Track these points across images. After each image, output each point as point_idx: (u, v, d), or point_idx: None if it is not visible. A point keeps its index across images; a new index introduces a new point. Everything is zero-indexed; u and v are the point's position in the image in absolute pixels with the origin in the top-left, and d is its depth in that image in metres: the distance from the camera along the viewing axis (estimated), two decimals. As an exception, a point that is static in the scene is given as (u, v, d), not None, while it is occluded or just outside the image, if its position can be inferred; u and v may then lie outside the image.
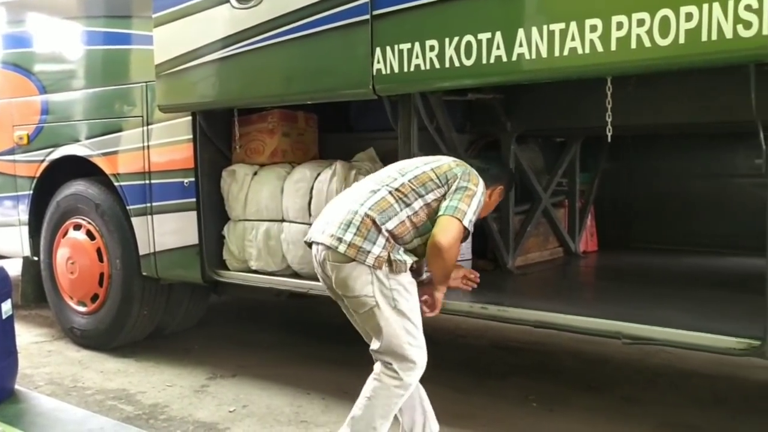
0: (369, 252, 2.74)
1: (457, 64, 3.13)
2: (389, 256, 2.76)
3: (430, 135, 3.77)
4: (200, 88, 4.16)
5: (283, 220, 4.18)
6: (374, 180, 3.01)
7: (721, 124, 3.83)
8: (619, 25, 2.74)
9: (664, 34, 2.65)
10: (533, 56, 2.94)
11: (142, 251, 4.72)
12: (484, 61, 3.06)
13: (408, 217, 2.82)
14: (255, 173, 4.35)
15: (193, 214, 4.44)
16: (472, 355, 4.88)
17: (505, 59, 3.02)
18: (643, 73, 3.10)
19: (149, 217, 4.66)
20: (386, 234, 2.77)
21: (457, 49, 3.12)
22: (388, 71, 3.35)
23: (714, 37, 2.55)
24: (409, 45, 3.26)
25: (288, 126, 4.39)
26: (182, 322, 5.33)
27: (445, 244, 2.76)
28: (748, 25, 2.49)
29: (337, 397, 3.96)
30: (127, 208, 4.75)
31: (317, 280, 3.06)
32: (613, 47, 2.76)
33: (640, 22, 2.69)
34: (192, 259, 4.47)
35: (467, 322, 5.09)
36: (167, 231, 4.60)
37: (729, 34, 2.52)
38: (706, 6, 2.56)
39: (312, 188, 4.04)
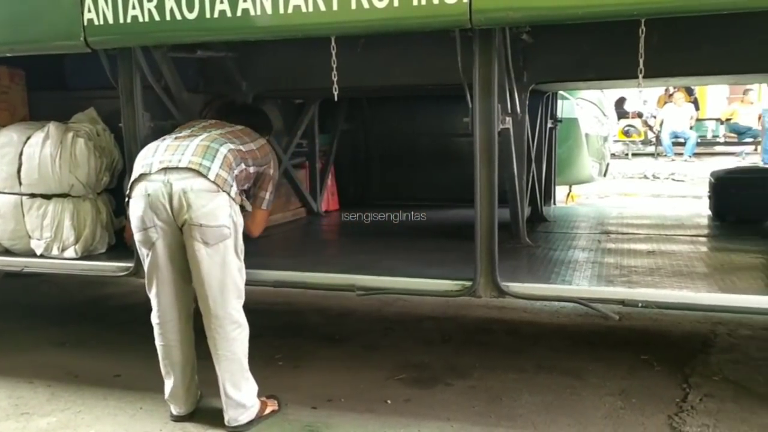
0: (232, 186, 2.94)
1: (178, 17, 2.95)
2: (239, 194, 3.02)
3: (156, 94, 3.54)
4: None
5: (-14, 191, 3.65)
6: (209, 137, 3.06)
7: (438, 86, 4.15)
8: (340, -15, 2.79)
9: (381, -4, 2.75)
10: (258, 12, 2.88)
11: None
12: (208, 15, 2.93)
13: (242, 171, 3.07)
14: (-52, 138, 3.71)
15: None
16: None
17: (229, 14, 2.92)
18: (362, 34, 3.22)
19: None
20: (235, 175, 2.99)
21: (178, 1, 2.94)
22: (102, 21, 3.05)
23: (424, 2, 2.71)
24: (124, -7, 2.99)
25: (-13, 82, 3.81)
26: None
27: (258, 234, 3.38)
28: (451, -8, 2.68)
29: (66, 383, 3.62)
30: None
31: (33, 255, 2.77)
32: (335, 7, 2.80)
33: (359, -17, 2.77)
34: None
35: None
36: None
37: (436, 0, 2.69)
38: (415, -29, 2.70)
39: (21, 153, 3.57)
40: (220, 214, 2.87)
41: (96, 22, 3.05)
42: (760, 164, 12.67)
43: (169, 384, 3.13)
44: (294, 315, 4.92)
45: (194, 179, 2.86)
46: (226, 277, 2.92)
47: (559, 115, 5.86)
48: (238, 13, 2.90)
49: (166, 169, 2.88)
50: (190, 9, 2.94)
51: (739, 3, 2.46)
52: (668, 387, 3.49)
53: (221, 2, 2.91)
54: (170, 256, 2.95)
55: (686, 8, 2.51)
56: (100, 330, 4.61)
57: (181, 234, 2.91)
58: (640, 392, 3.43)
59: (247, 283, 3.09)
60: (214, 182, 2.87)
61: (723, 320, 4.44)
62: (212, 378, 3.08)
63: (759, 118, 14.88)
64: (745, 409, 3.20)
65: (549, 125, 5.49)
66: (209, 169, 2.88)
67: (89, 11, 3.05)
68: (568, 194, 8.82)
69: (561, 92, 6.10)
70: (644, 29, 2.75)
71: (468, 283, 3.09)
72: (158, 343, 3.10)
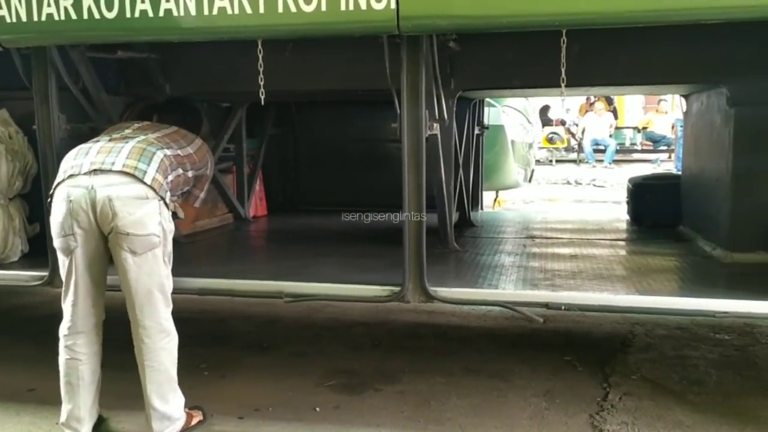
0: (167, 192, 2.84)
1: (97, 15, 2.85)
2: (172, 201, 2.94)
3: (73, 96, 3.39)
4: None
5: None
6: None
7: (367, 92, 4.16)
8: (266, -13, 2.75)
9: (308, 0, 2.73)
10: (181, 13, 2.81)
11: None
12: (128, 15, 2.84)
13: (178, 176, 2.99)
14: None
15: None
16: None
17: (151, 14, 2.84)
18: (289, 38, 3.19)
19: None
20: (170, 180, 2.90)
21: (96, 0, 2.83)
22: (14, 19, 2.91)
23: (351, 7, 2.71)
24: (38, -10, 2.85)
25: None
26: None
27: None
28: (379, -2, 2.69)
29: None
30: None
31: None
32: (262, 9, 2.76)
33: (286, -14, 2.74)
34: None
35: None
36: None
37: (364, 6, 2.70)
38: (343, -24, 2.70)
39: None
40: (149, 223, 2.76)
41: (8, 20, 2.91)
42: (674, 171, 13.31)
43: (68, 406, 2.93)
44: (220, 323, 4.81)
45: (124, 186, 2.74)
46: (153, 285, 2.82)
47: (486, 121, 5.98)
48: (161, 13, 2.82)
49: (96, 172, 2.75)
50: (110, 8, 2.84)
51: (652, 17, 2.57)
52: (590, 386, 3.59)
53: (142, 2, 2.82)
54: (89, 265, 2.82)
55: (603, 21, 2.61)
56: (12, 342, 4.38)
57: (103, 242, 2.79)
58: (564, 393, 3.52)
59: (173, 291, 2.99)
60: (150, 186, 2.76)
61: (641, 321, 4.62)
62: (132, 390, 2.97)
63: (672, 127, 15.62)
64: (661, 406, 3.33)
65: (476, 132, 5.60)
66: (145, 173, 2.78)
67: (0, 8, 2.89)
68: (495, 199, 9.01)
69: (488, 99, 6.23)
70: (566, 40, 2.84)
71: (397, 289, 3.10)
72: (64, 357, 2.91)
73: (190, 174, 3.10)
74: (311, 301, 3.38)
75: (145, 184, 2.76)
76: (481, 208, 6.21)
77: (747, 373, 3.74)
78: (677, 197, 5.10)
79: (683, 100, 5.30)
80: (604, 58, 3.73)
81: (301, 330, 4.66)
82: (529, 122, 9.43)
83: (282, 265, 3.60)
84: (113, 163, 2.77)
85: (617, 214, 6.23)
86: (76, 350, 2.90)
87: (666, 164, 15.51)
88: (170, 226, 2.91)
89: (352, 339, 4.48)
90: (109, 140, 2.91)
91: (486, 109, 6.08)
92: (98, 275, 2.86)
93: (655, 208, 5.24)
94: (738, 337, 4.33)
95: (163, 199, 2.82)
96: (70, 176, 2.77)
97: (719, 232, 3.99)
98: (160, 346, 2.87)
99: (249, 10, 2.77)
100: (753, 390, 3.52)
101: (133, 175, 2.75)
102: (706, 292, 3.16)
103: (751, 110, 3.72)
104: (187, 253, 4.07)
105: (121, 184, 2.73)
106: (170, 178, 2.91)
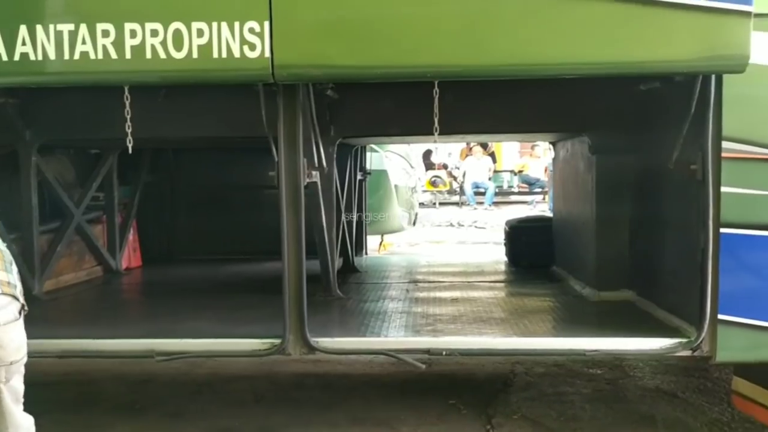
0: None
1: (-59, 57, 2.62)
2: None
3: None
4: None
5: None
6: None
7: (245, 139, 4.09)
8: (133, 33, 2.66)
9: (178, 47, 2.66)
10: (39, 57, 2.65)
11: None
12: (-22, 58, 2.63)
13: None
14: None
15: None
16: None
17: (5, 58, 2.65)
18: (158, 85, 3.09)
19: None
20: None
21: (-59, 40, 2.61)
22: None
23: (224, 54, 2.66)
24: None
25: None
26: None
27: None
28: (252, 46, 2.66)
29: None
30: None
31: None
32: (128, 55, 2.66)
33: (154, 33, 2.65)
34: None
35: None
36: None
37: (237, 54, 2.66)
38: (215, 24, 2.66)
39: None
40: (24, 343, 2.41)
41: None
42: (548, 212, 14.05)
43: None
44: (88, 385, 4.45)
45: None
46: (13, 401, 2.45)
47: (368, 167, 6.05)
48: (16, 57, 2.65)
49: None
50: (-43, 50, 2.62)
51: (513, 71, 2.71)
52: (474, 429, 3.62)
53: (-5, 43, 2.63)
54: None
55: (470, 73, 2.72)
56: None
57: None
58: (449, 437, 3.52)
59: (30, 355, 2.71)
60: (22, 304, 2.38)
61: (521, 360, 4.74)
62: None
63: (546, 170, 16.55)
64: (541, 444, 3.41)
65: (359, 177, 5.64)
66: (16, 287, 2.37)
67: None
68: (381, 243, 9.08)
69: (370, 145, 6.33)
70: (438, 90, 2.93)
71: (277, 341, 3.00)
72: None
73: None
74: (181, 359, 3.19)
75: (17, 301, 2.39)
76: (366, 253, 6.23)
77: (618, 407, 3.91)
78: (550, 239, 5.35)
79: (552, 146, 5.62)
80: (476, 107, 3.88)
81: (178, 388, 4.40)
82: (412, 167, 9.66)
83: (155, 321, 3.41)
84: None
85: (497, 255, 6.45)
86: None
87: (541, 205, 16.34)
88: None
89: (233, 394, 4.28)
90: None
91: (368, 154, 6.16)
92: None
93: (530, 249, 5.47)
94: (609, 371, 4.54)
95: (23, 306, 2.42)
96: None
97: (587, 272, 4.20)
98: None
99: (114, 56, 2.66)
100: (624, 422, 3.68)
101: (11, 295, 2.36)
102: (577, 331, 3.30)
103: (610, 157, 3.99)
104: (49, 312, 3.76)
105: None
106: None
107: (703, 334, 2.86)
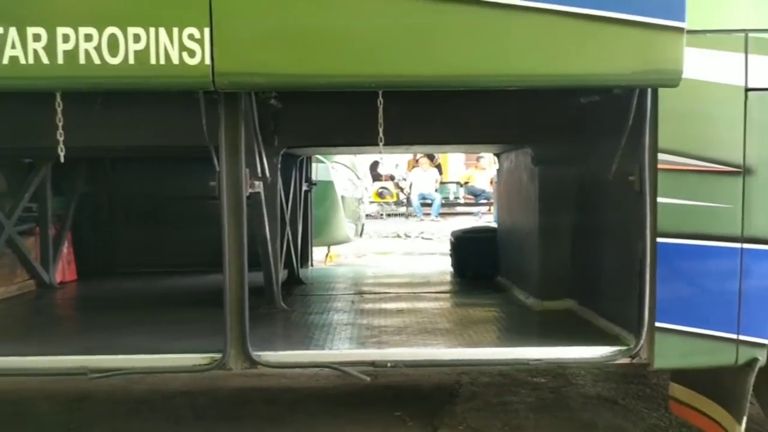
0: None
1: None
2: None
3: None
4: None
5: None
6: None
7: (185, 148, 3.98)
8: (66, 38, 2.56)
9: (113, 52, 2.57)
10: (-37, 61, 2.51)
11: None
12: None
13: None
14: None
15: None
16: None
17: (-75, 61, 2.50)
18: (92, 91, 2.98)
19: None
20: None
21: None
22: None
23: (162, 61, 2.59)
24: None
25: None
26: None
27: None
28: (192, 53, 2.59)
29: None
30: None
31: None
32: (60, 60, 2.55)
33: (88, 37, 2.56)
34: None
35: None
36: None
37: (176, 60, 2.59)
38: (153, 30, 2.58)
39: None
40: None
41: None
42: (493, 223, 14.24)
43: None
44: (18, 405, 4.24)
45: None
46: None
47: (314, 177, 6.00)
48: (-59, 61, 2.51)
49: None
50: None
51: (456, 82, 2.72)
52: (420, 441, 3.61)
53: None
54: None
55: (413, 84, 2.73)
56: None
57: None
58: (393, 450, 3.49)
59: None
60: None
61: (466, 370, 4.75)
62: None
63: (491, 182, 16.81)
64: (486, 455, 3.41)
65: (304, 188, 5.58)
66: None
67: None
68: (327, 254, 9.02)
69: (316, 156, 6.27)
70: (382, 101, 2.91)
71: (217, 356, 2.92)
72: None
73: None
74: (115, 376, 3.06)
75: None
76: (311, 265, 6.16)
77: (561, 415, 3.96)
78: (495, 249, 5.40)
79: (496, 158, 5.68)
80: (421, 118, 3.89)
81: (115, 406, 4.24)
82: (358, 177, 9.64)
83: (89, 337, 3.26)
84: None
85: (443, 266, 6.47)
86: None
87: (486, 216, 16.57)
88: None
89: (173, 411, 4.15)
90: None
91: (314, 165, 6.10)
92: None
93: (476, 260, 5.50)
94: (552, 379, 4.59)
95: None
96: None
97: (531, 282, 4.25)
98: None
99: (46, 61, 2.55)
100: (567, 430, 3.72)
101: None
102: (521, 341, 3.32)
103: (553, 169, 4.05)
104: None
105: None
106: None
107: (642, 342, 2.92)
